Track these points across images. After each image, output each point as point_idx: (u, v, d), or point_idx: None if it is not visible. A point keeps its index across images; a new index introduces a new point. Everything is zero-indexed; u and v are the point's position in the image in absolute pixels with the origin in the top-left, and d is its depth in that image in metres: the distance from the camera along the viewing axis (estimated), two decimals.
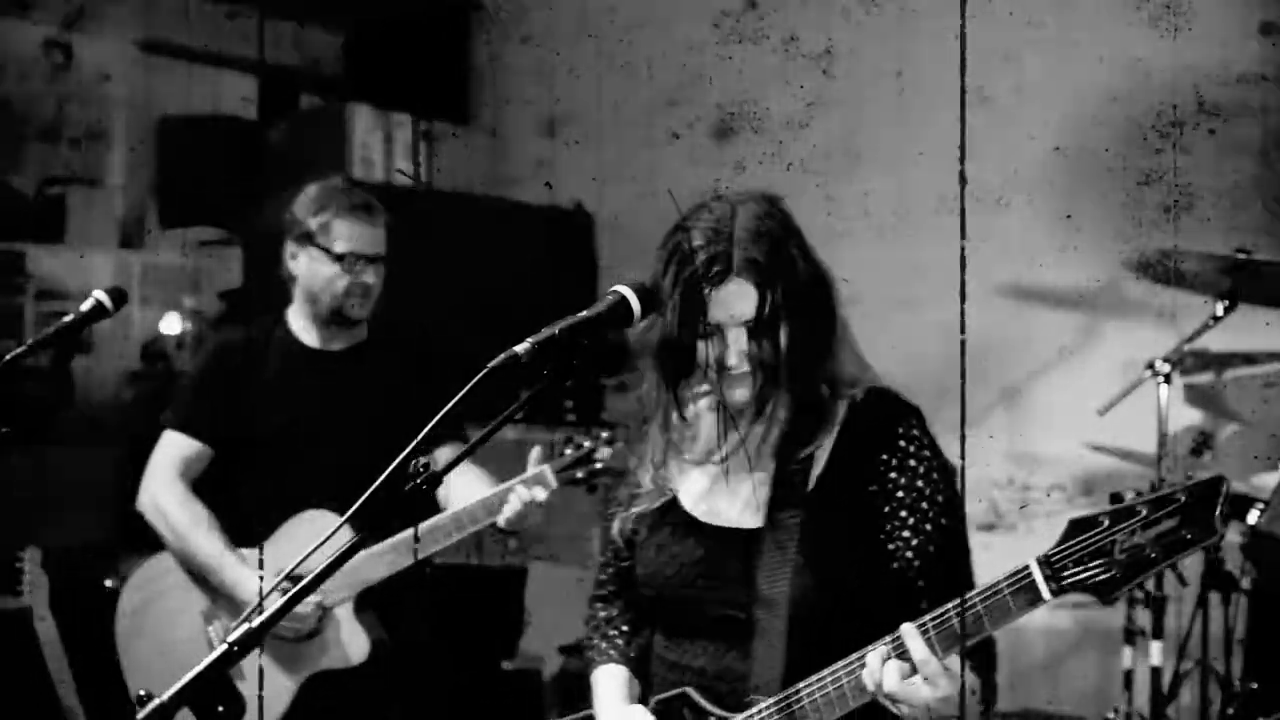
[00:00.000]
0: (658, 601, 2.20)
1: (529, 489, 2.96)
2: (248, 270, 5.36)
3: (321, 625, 3.13)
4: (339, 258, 3.23)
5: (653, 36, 5.68)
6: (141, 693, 1.62)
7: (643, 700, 2.24)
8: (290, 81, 6.26)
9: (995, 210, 4.86)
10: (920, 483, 2.09)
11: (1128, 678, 4.34)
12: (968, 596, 1.89)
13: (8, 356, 2.64)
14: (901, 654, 1.91)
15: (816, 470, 2.11)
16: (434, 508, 3.13)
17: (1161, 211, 4.33)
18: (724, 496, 2.17)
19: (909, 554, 2.07)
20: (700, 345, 2.08)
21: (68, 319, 2.78)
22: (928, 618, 1.91)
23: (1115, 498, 3.54)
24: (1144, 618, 4.17)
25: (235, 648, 1.66)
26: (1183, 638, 4.14)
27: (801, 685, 2.00)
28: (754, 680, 2.05)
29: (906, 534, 2.07)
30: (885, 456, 2.09)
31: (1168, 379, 3.99)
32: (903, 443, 2.10)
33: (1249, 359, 4.28)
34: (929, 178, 5.00)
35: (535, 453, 3.06)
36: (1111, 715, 4.33)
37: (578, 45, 5.80)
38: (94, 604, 3.56)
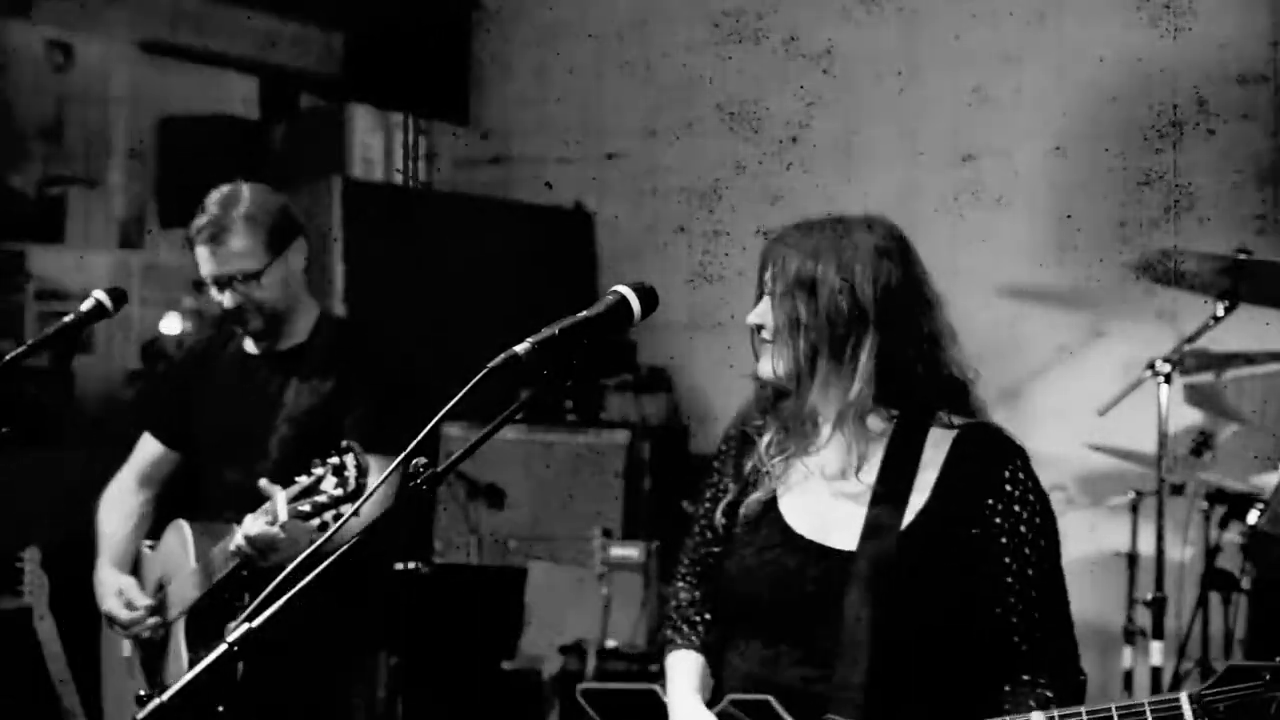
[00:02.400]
0: (745, 603, 2.17)
1: (256, 519, 2.81)
2: None
3: (166, 639, 3.14)
4: (206, 285, 3.16)
5: (653, 36, 5.68)
6: (142, 693, 1.62)
7: (714, 694, 2.20)
8: (290, 81, 6.26)
9: (995, 210, 4.86)
10: (1024, 528, 2.08)
11: (1128, 678, 4.34)
12: (1107, 708, 1.89)
13: (8, 356, 2.64)
14: None
15: (917, 502, 2.09)
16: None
17: (1161, 211, 4.34)
18: (823, 508, 2.15)
19: (1011, 599, 2.07)
20: None
21: (68, 319, 2.77)
22: (1056, 711, 1.94)
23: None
24: (1144, 618, 4.17)
25: (234, 648, 1.66)
26: (1183, 638, 4.14)
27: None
28: (832, 704, 2.03)
29: (1009, 579, 2.07)
30: (991, 501, 2.07)
31: (1168, 379, 3.99)
32: (1009, 486, 2.08)
33: (1249, 359, 4.28)
34: (929, 178, 5.01)
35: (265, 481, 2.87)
36: None
37: (578, 45, 5.80)
38: (94, 604, 3.56)
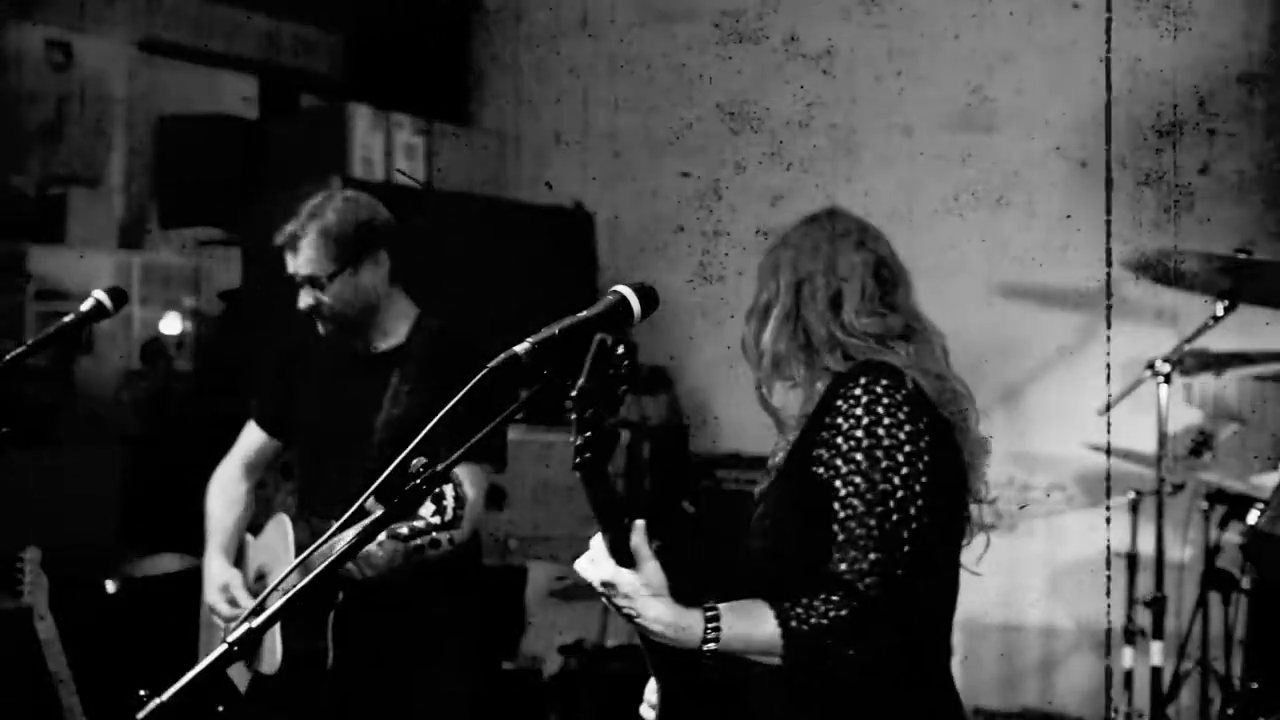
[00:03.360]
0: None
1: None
2: (247, 270, 5.36)
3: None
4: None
5: (653, 36, 5.68)
6: (142, 693, 1.63)
7: None
8: (290, 81, 6.26)
9: (995, 210, 4.86)
10: (840, 439, 2.10)
11: (1128, 678, 4.34)
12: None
13: (8, 356, 2.64)
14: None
15: (789, 443, 2.24)
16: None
17: (1161, 211, 4.34)
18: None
19: (841, 513, 2.07)
20: None
21: (68, 319, 2.78)
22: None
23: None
24: (1144, 618, 4.17)
25: (234, 648, 1.66)
26: (1183, 638, 4.14)
27: None
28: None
29: (836, 502, 2.08)
30: (828, 419, 2.14)
31: (1168, 379, 3.99)
32: (839, 402, 2.12)
33: (1249, 359, 4.28)
34: (929, 178, 5.01)
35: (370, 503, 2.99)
36: (1112, 715, 4.33)
37: (578, 45, 5.80)
38: (94, 604, 3.56)
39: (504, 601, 4.80)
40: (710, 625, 2.00)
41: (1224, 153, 4.58)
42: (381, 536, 2.76)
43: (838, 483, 2.08)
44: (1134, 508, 4.36)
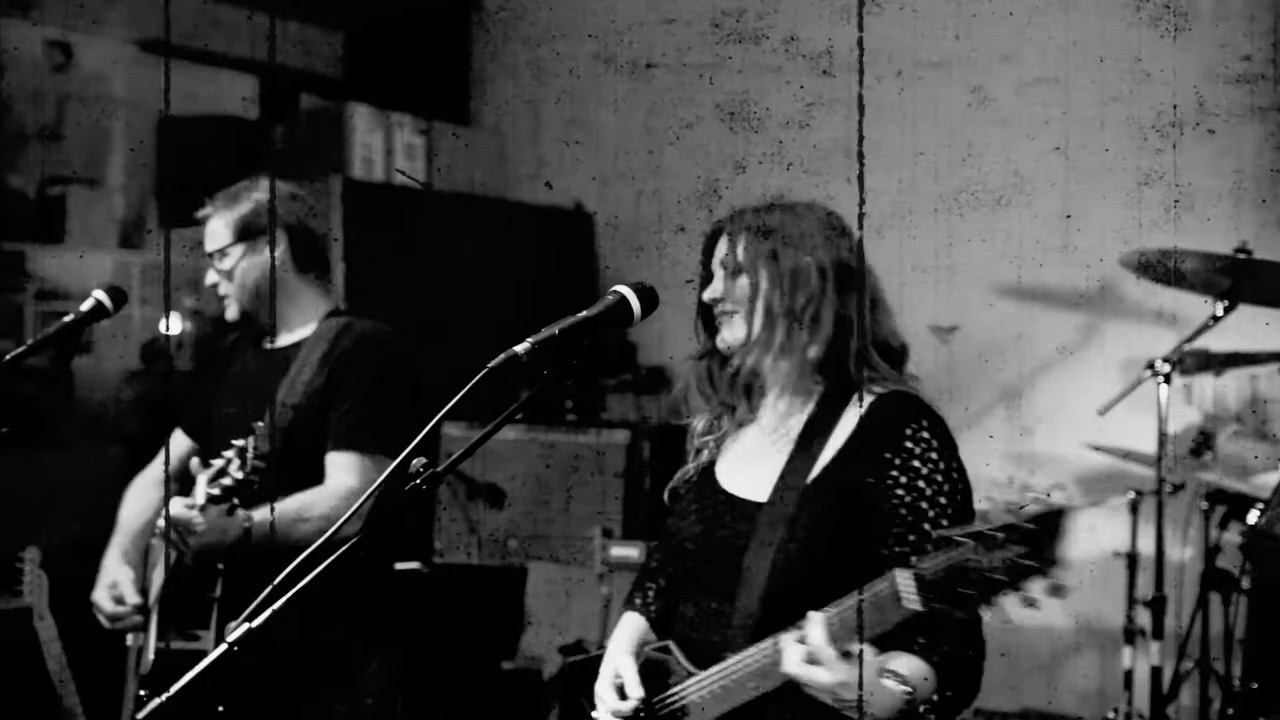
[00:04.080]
0: (672, 553, 2.39)
1: (178, 501, 2.89)
2: None
3: (145, 628, 3.17)
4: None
5: (653, 36, 5.68)
6: (142, 693, 1.63)
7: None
8: (290, 81, 6.26)
9: (995, 210, 4.86)
10: (922, 483, 2.13)
11: (1128, 678, 4.34)
12: (856, 596, 1.96)
13: (8, 356, 2.65)
14: (805, 640, 2.00)
15: (825, 459, 2.21)
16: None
17: (1161, 211, 4.34)
18: (750, 466, 2.30)
19: (900, 551, 2.11)
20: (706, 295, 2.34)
21: (68, 319, 2.78)
22: (832, 606, 1.99)
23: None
24: (1144, 618, 4.17)
25: (234, 648, 1.66)
26: (1183, 638, 4.14)
27: (742, 654, 2.11)
28: (730, 646, 2.16)
29: (899, 530, 2.12)
30: (889, 455, 2.14)
31: (1168, 379, 3.99)
32: (909, 444, 2.15)
33: (1249, 359, 4.28)
34: (929, 178, 5.01)
35: (194, 462, 2.98)
36: (1111, 715, 4.33)
37: (578, 45, 5.80)
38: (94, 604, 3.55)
39: (504, 601, 4.80)
40: (908, 699, 2.04)
41: (1224, 153, 4.58)
42: (201, 499, 2.82)
43: (923, 517, 2.13)
44: (1134, 508, 4.36)
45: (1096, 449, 4.34)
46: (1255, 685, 3.73)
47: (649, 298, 2.03)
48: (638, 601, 2.48)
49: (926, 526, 2.10)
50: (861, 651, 1.96)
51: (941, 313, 4.78)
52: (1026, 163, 4.88)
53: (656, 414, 5.40)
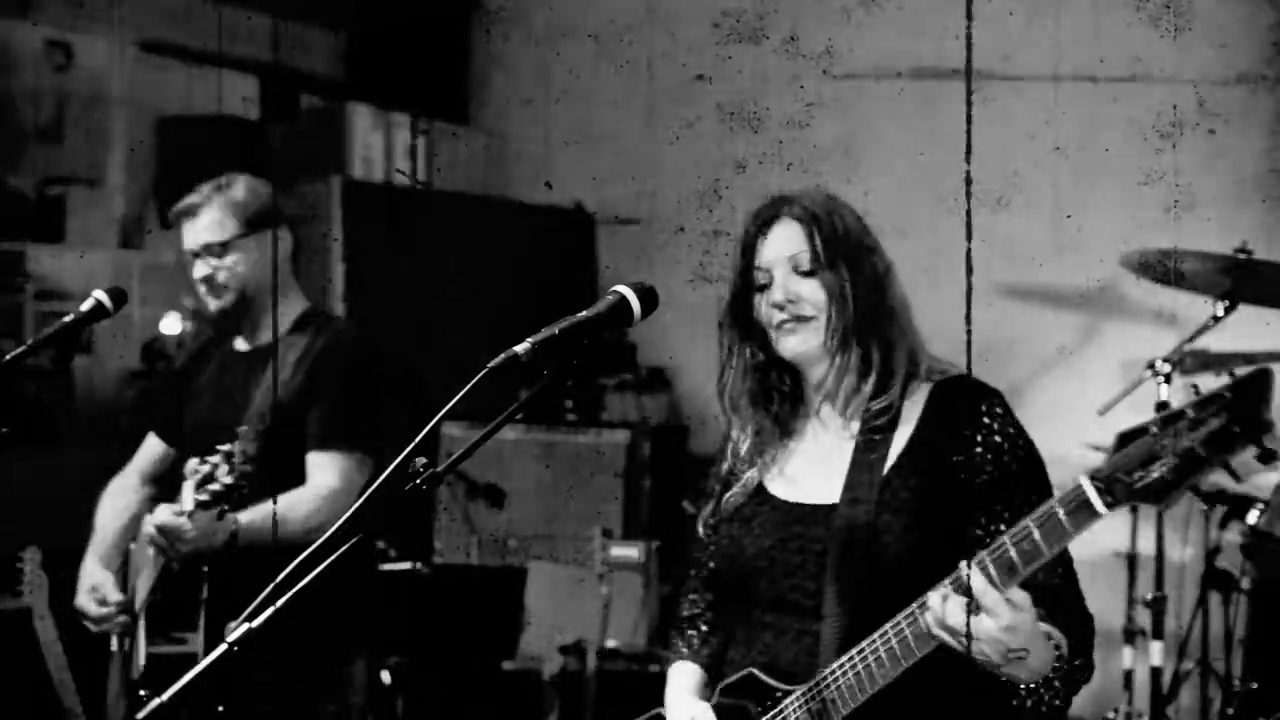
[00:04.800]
0: (733, 580, 2.18)
1: (165, 508, 2.88)
2: None
3: (134, 633, 3.16)
4: (188, 263, 3.25)
5: (653, 36, 5.68)
6: (142, 693, 1.63)
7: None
8: (290, 81, 6.25)
9: (995, 210, 4.85)
10: (1007, 458, 2.07)
11: (1128, 678, 4.34)
12: (1022, 524, 1.83)
13: (8, 356, 2.64)
14: (960, 590, 1.87)
15: (896, 448, 2.11)
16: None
17: (1161, 211, 4.33)
18: (805, 471, 2.17)
19: (997, 527, 2.00)
20: (756, 300, 2.16)
21: (68, 319, 2.78)
22: (984, 551, 1.86)
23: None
24: (1144, 618, 4.17)
25: (234, 647, 1.66)
26: (1183, 638, 4.14)
27: (857, 648, 1.98)
28: (822, 658, 2.03)
29: (998, 506, 2.04)
30: (969, 433, 2.08)
31: (1168, 379, 3.99)
32: (988, 419, 2.10)
33: (1249, 359, 4.28)
34: (929, 178, 5.00)
35: (190, 465, 2.92)
36: (1111, 715, 4.33)
37: (578, 45, 5.80)
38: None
39: (504, 601, 4.80)
40: (1058, 654, 1.93)
41: (1224, 153, 4.58)
42: (189, 505, 2.79)
43: (1015, 491, 2.04)
44: (1134, 508, 4.35)
45: (1096, 449, 4.34)
46: (1255, 685, 3.73)
47: (649, 298, 2.02)
48: (685, 650, 2.31)
49: (1018, 501, 2.01)
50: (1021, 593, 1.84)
51: (942, 313, 4.77)
52: (1026, 163, 4.88)
53: (657, 414, 5.40)
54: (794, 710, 2.04)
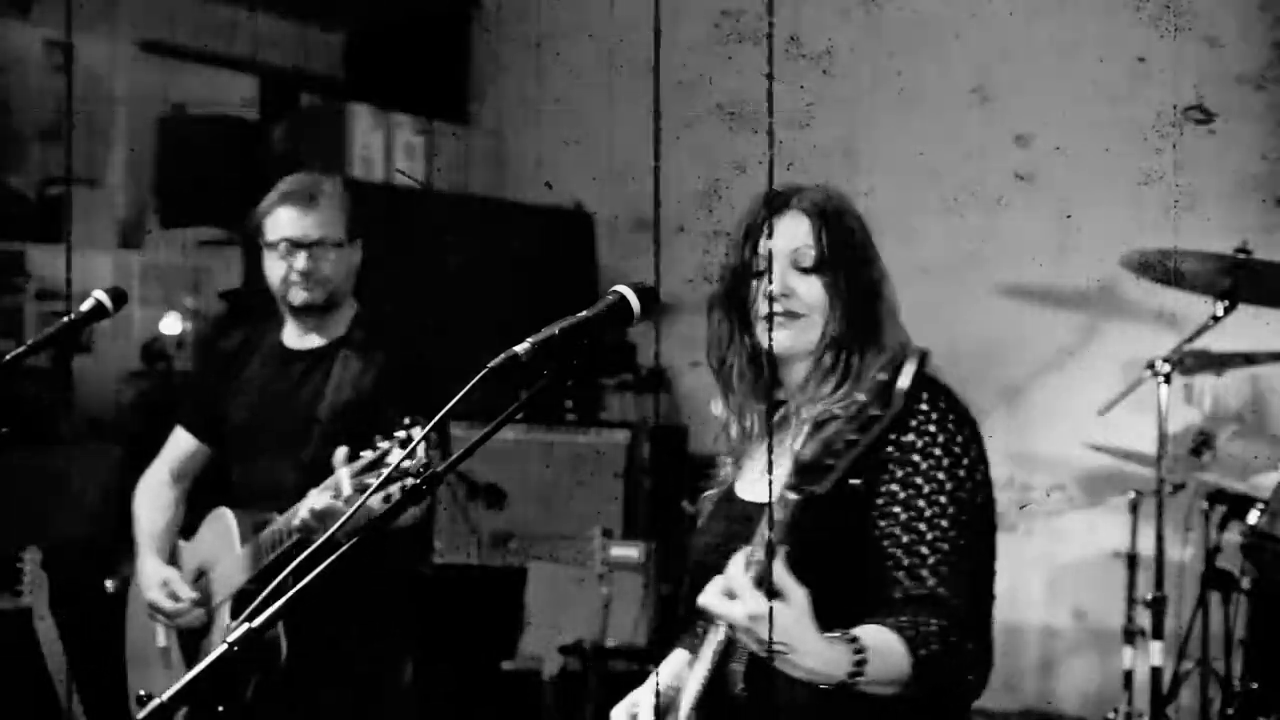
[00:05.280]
0: (695, 567, 2.15)
1: (320, 493, 2.84)
2: (248, 270, 5.37)
3: (209, 625, 3.17)
4: (274, 246, 3.19)
5: (652, 36, 5.67)
6: (141, 693, 1.63)
7: None
8: (290, 81, 6.26)
9: (995, 210, 4.86)
10: (926, 464, 1.98)
11: (1128, 678, 4.34)
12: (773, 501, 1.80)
13: (8, 356, 2.65)
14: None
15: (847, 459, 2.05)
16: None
17: (1161, 211, 4.33)
18: (762, 470, 2.14)
19: (902, 534, 1.95)
20: (754, 286, 2.12)
21: (68, 319, 2.78)
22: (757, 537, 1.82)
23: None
24: (1144, 618, 4.17)
25: (234, 648, 1.66)
26: (1183, 638, 4.14)
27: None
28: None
29: (904, 516, 1.96)
30: (895, 435, 1.99)
31: (1168, 379, 3.99)
32: (914, 420, 1.99)
33: (1249, 359, 4.28)
34: (929, 178, 5.01)
35: (339, 454, 2.86)
36: (1111, 715, 4.33)
37: (578, 45, 5.80)
38: (94, 604, 3.57)
39: (504, 601, 4.80)
40: (857, 658, 1.80)
41: (1224, 153, 4.58)
42: (346, 492, 2.76)
43: (918, 506, 1.97)
44: (1134, 508, 4.36)
45: (1096, 449, 4.34)
46: (1255, 685, 3.73)
47: (649, 298, 2.02)
48: (686, 639, 2.27)
49: (926, 510, 1.96)
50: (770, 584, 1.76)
51: (942, 313, 4.78)
52: (1026, 163, 4.88)
53: (656, 414, 5.40)
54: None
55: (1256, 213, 4.55)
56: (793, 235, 2.13)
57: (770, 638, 1.75)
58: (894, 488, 1.98)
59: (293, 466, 3.07)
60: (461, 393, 1.81)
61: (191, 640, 3.21)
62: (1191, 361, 4.12)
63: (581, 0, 5.90)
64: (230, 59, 6.05)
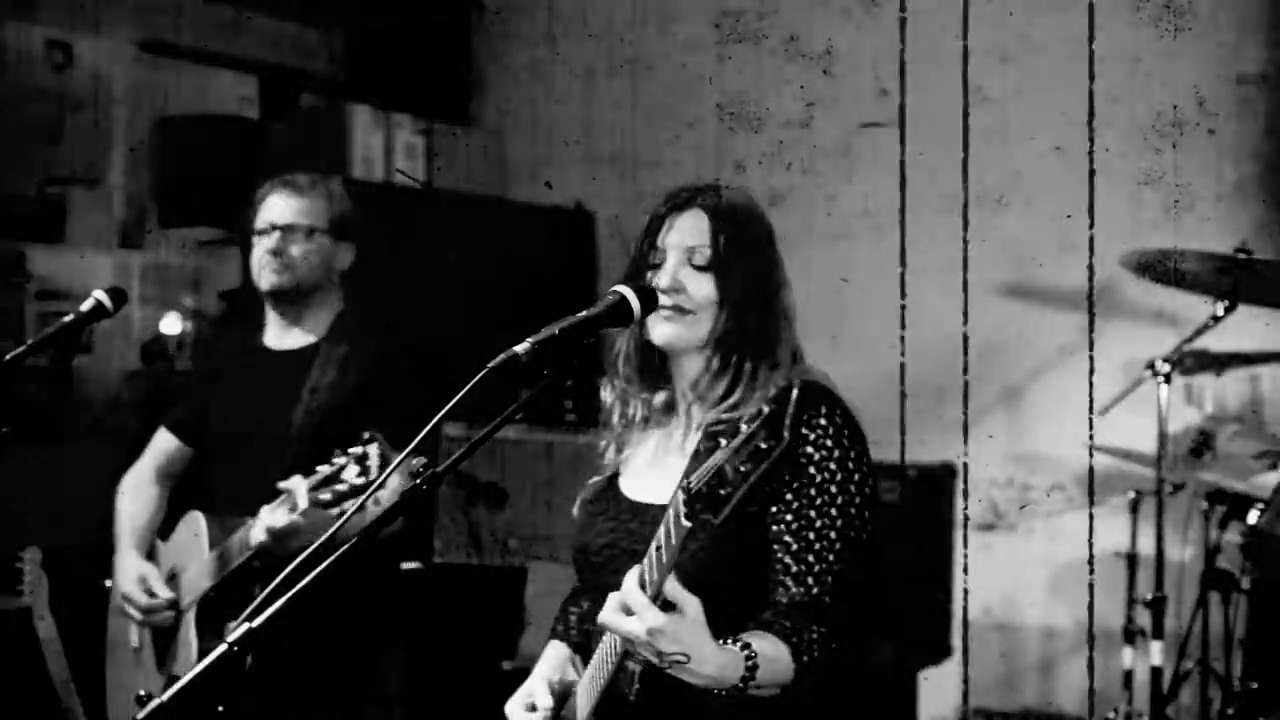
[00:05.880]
0: (585, 571, 2.19)
1: (275, 508, 2.83)
2: (247, 270, 5.36)
3: (177, 628, 3.15)
4: (261, 234, 3.19)
5: (653, 36, 5.68)
6: (141, 693, 1.63)
7: None
8: (290, 81, 6.26)
9: (995, 210, 4.86)
10: (813, 470, 2.01)
11: (1128, 678, 4.34)
12: (661, 526, 1.80)
13: (8, 356, 2.64)
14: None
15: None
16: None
17: (1161, 211, 4.34)
18: (652, 468, 2.16)
19: (789, 539, 1.99)
20: (648, 277, 2.11)
21: (68, 319, 2.78)
22: (652, 548, 1.82)
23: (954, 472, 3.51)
24: (1144, 618, 4.17)
25: (234, 647, 1.66)
26: (1183, 638, 4.14)
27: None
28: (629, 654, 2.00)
29: (791, 520, 2.00)
30: (791, 439, 1.96)
31: (1168, 379, 3.99)
32: (804, 430, 2.01)
33: (1249, 359, 4.28)
34: (929, 178, 5.01)
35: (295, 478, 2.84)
36: (1111, 715, 4.33)
37: (578, 45, 5.80)
38: (94, 604, 3.56)
39: (504, 601, 4.80)
40: (749, 665, 1.87)
41: (1224, 153, 4.58)
42: (302, 506, 2.75)
43: (801, 510, 2.01)
44: (1134, 508, 4.36)
45: (1096, 449, 4.34)
46: (1255, 685, 3.73)
47: (649, 298, 2.02)
48: (559, 628, 2.34)
49: (812, 515, 2.00)
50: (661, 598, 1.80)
51: (942, 313, 4.78)
52: (1026, 163, 4.88)
53: None
54: (581, 694, 2.11)
55: (1256, 213, 4.55)
56: (690, 232, 2.13)
57: (667, 650, 1.80)
58: (788, 496, 2.01)
59: (268, 470, 3.02)
60: (461, 393, 1.82)
61: (162, 643, 3.19)
62: (1191, 361, 4.12)
63: (581, 0, 5.90)
64: (230, 59, 6.05)
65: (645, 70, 5.67)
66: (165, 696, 1.62)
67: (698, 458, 2.00)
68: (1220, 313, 3.95)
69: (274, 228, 3.17)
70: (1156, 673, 3.95)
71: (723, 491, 1.72)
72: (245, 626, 1.68)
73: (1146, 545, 4.21)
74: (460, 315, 5.09)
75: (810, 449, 2.02)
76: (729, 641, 1.88)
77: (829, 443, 2.02)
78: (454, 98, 6.21)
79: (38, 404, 4.49)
